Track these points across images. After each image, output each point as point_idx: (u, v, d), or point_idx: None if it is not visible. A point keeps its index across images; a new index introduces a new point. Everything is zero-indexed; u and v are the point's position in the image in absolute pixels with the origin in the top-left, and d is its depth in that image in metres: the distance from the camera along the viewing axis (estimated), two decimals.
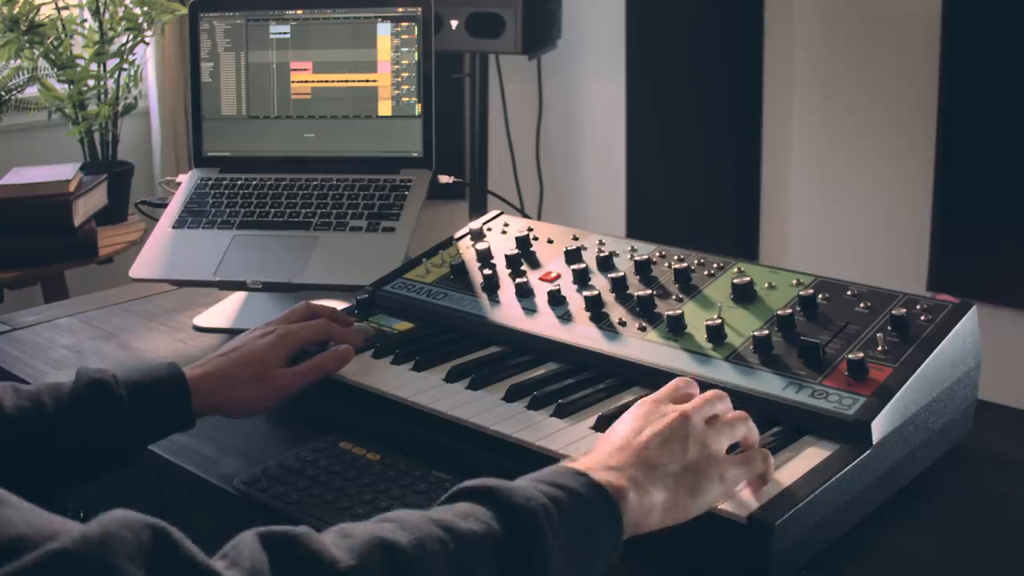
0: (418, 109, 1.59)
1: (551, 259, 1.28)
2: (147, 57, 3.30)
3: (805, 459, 0.91)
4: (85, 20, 3.07)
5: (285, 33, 1.62)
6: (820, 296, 1.09)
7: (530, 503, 0.73)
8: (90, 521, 0.60)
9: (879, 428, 0.92)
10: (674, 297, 1.15)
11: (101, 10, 2.99)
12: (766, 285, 1.13)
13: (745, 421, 0.89)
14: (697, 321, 1.09)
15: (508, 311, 1.20)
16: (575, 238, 1.31)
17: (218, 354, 1.09)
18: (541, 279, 1.24)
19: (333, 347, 1.13)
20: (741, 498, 0.85)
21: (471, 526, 0.72)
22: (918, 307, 1.05)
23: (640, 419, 0.86)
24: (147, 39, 3.11)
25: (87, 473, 0.98)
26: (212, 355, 1.09)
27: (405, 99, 1.59)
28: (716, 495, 0.83)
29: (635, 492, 0.79)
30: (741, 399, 0.99)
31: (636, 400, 1.02)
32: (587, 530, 0.76)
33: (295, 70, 1.62)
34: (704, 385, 1.01)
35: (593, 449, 0.85)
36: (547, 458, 0.95)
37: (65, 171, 2.75)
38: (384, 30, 1.59)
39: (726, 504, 0.84)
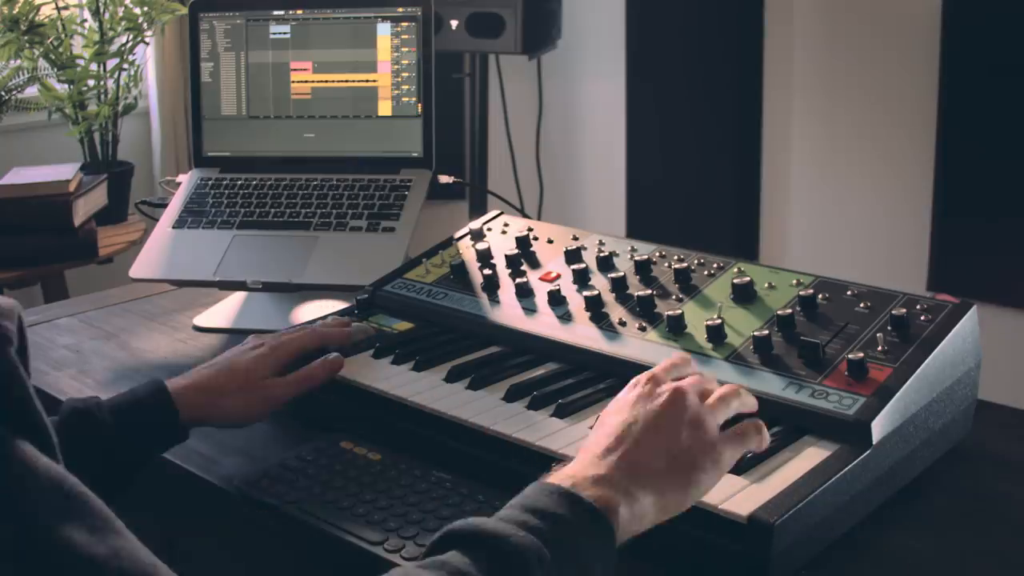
0: (418, 109, 1.59)
1: (551, 259, 1.28)
2: (147, 57, 3.30)
3: (805, 459, 0.91)
4: (85, 20, 3.07)
5: (285, 33, 1.62)
6: (820, 296, 1.09)
7: (525, 554, 0.71)
8: None
9: (879, 428, 0.92)
10: (674, 297, 1.15)
11: (101, 10, 2.99)
12: (766, 285, 1.13)
13: (737, 395, 0.88)
14: (697, 321, 1.09)
15: (508, 311, 1.20)
16: (575, 238, 1.31)
17: (205, 365, 1.08)
18: (541, 279, 1.24)
19: (324, 356, 1.12)
20: (741, 498, 0.85)
21: None
22: (918, 307, 1.06)
23: (633, 405, 0.85)
24: (147, 39, 3.11)
25: None
26: (200, 366, 1.08)
27: (405, 99, 1.59)
28: (710, 481, 0.82)
29: (625, 503, 0.77)
30: None
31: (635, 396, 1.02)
32: (583, 558, 0.74)
33: (295, 70, 1.62)
34: None
35: (585, 446, 0.84)
36: (547, 458, 0.95)
37: (65, 171, 2.75)
38: (384, 30, 1.59)
39: (726, 504, 0.84)
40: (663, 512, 0.80)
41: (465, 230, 1.38)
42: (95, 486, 0.98)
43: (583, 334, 1.13)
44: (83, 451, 0.96)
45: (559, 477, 0.79)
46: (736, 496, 0.85)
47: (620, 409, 0.85)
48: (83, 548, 0.60)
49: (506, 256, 1.28)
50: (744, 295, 1.12)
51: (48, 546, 0.59)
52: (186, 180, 1.63)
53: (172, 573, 0.62)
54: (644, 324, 1.12)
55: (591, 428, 0.98)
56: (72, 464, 0.96)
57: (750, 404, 0.89)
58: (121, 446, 0.99)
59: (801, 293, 1.10)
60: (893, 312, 1.04)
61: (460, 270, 1.29)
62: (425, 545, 0.88)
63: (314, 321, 1.21)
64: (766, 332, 1.04)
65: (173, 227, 1.54)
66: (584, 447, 0.83)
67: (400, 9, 1.59)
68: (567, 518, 0.74)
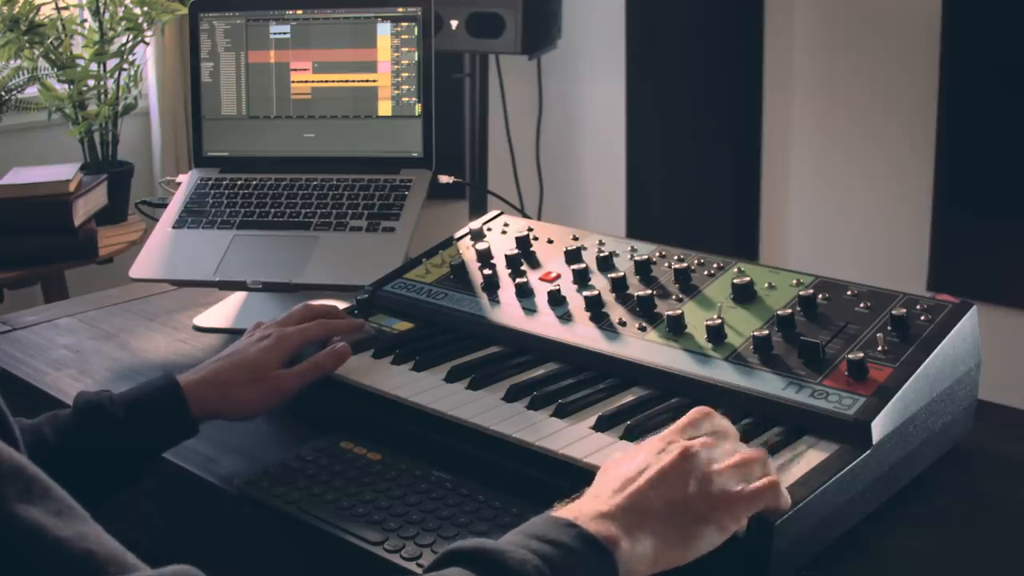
0: (418, 109, 1.59)
1: (551, 259, 1.28)
2: (147, 57, 3.30)
3: (805, 459, 0.91)
4: (85, 20, 3.07)
5: (285, 33, 1.62)
6: (820, 296, 1.09)
7: (524, 567, 0.71)
8: (162, 568, 0.61)
9: (879, 428, 0.92)
10: (674, 297, 1.15)
11: (101, 10, 2.98)
12: (766, 285, 1.13)
13: (763, 463, 0.83)
14: (697, 321, 1.09)
15: (508, 311, 1.20)
16: (575, 238, 1.31)
17: (214, 359, 1.09)
18: (541, 279, 1.24)
19: (331, 345, 1.13)
20: None
21: None
22: (918, 307, 1.05)
23: (645, 455, 0.83)
24: (147, 39, 3.11)
25: (100, 494, 0.98)
26: (208, 360, 1.09)
27: (405, 99, 1.59)
28: (713, 540, 0.79)
29: (627, 541, 0.75)
30: (741, 399, 0.99)
31: (635, 400, 1.02)
32: None
33: (295, 70, 1.62)
34: (704, 385, 1.01)
35: (591, 487, 0.82)
36: (547, 458, 0.95)
37: (65, 171, 2.75)
38: (384, 30, 1.59)
39: None
40: (662, 560, 0.77)
41: (465, 230, 1.38)
42: (104, 478, 0.99)
43: (583, 334, 1.13)
44: (94, 444, 0.97)
45: (562, 512, 0.78)
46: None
47: (628, 459, 0.83)
48: (50, 530, 0.60)
49: (506, 256, 1.28)
50: (744, 295, 1.12)
51: (12, 527, 0.59)
52: (186, 180, 1.63)
53: (139, 562, 0.62)
54: (644, 324, 1.12)
55: (591, 428, 0.98)
56: (83, 456, 0.97)
57: (772, 471, 0.84)
58: (132, 440, 0.99)
59: (801, 293, 1.10)
60: (893, 312, 1.04)
61: (460, 270, 1.29)
62: (425, 545, 0.88)
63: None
64: (766, 332, 1.04)
65: (173, 227, 1.54)
66: (588, 491, 0.82)
67: (400, 9, 1.59)
68: (570, 546, 0.73)
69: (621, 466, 0.82)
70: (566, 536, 0.74)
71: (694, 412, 0.88)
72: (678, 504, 0.78)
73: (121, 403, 1.00)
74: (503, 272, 1.26)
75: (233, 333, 1.43)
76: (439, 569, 0.73)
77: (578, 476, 0.88)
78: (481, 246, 1.31)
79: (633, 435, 0.96)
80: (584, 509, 0.78)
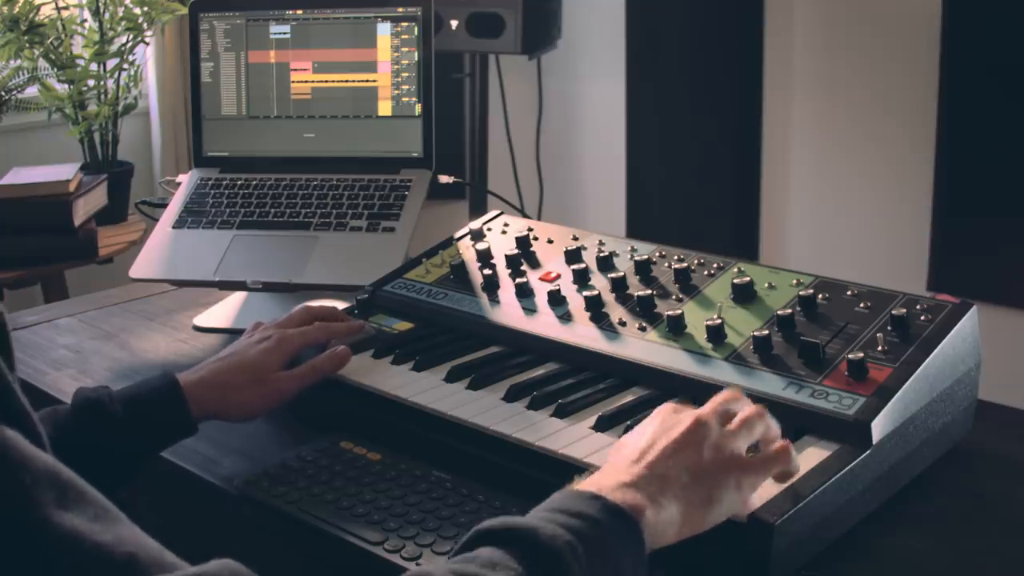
0: (418, 109, 1.59)
1: (551, 259, 1.28)
2: (147, 57, 3.30)
3: (805, 459, 0.91)
4: (85, 20, 3.07)
5: (285, 33, 1.62)
6: (820, 296, 1.09)
7: (556, 542, 0.71)
8: (204, 565, 0.62)
9: (879, 428, 0.92)
10: (674, 297, 1.15)
11: (101, 10, 2.98)
12: (766, 285, 1.13)
13: (762, 418, 0.86)
14: (697, 321, 1.09)
15: (508, 311, 1.20)
16: (575, 238, 1.31)
17: (214, 359, 1.09)
18: (541, 279, 1.24)
19: (331, 348, 1.13)
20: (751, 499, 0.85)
21: None
22: (918, 307, 1.05)
23: (655, 428, 0.84)
24: (147, 39, 3.11)
25: (99, 490, 0.98)
26: (208, 360, 1.09)
27: (405, 99, 1.59)
28: (732, 504, 0.81)
29: (652, 508, 0.77)
30: None
31: (635, 400, 1.02)
32: (613, 559, 0.73)
33: (295, 70, 1.62)
34: (704, 385, 1.01)
35: (606, 462, 0.83)
36: (547, 458, 0.95)
37: (65, 171, 2.75)
38: (384, 30, 1.59)
39: None
40: (687, 525, 0.79)
41: (465, 230, 1.38)
42: (101, 475, 0.99)
43: (583, 334, 1.13)
44: (92, 441, 0.97)
45: (584, 485, 0.79)
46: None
47: (642, 431, 0.85)
48: (88, 535, 0.59)
49: (506, 256, 1.28)
50: (744, 295, 1.12)
51: (52, 534, 0.58)
52: (186, 180, 1.63)
53: (178, 559, 0.62)
54: (644, 324, 1.12)
55: (591, 428, 0.98)
56: (80, 453, 0.97)
57: (774, 429, 0.87)
58: (130, 438, 0.99)
59: (801, 293, 1.10)
60: (893, 312, 1.04)
61: (460, 270, 1.29)
62: (425, 545, 0.88)
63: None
64: (766, 332, 1.04)
65: (173, 227, 1.54)
66: (604, 466, 0.83)
67: (400, 9, 1.59)
68: (597, 518, 0.74)
69: (634, 440, 0.84)
70: (592, 508, 0.74)
71: (725, 393, 0.88)
72: (695, 469, 0.80)
73: (120, 400, 1.00)
74: (503, 272, 1.26)
75: (233, 333, 1.43)
76: (469, 550, 0.72)
77: (578, 476, 0.88)
78: (481, 246, 1.31)
79: None
80: (605, 481, 0.79)
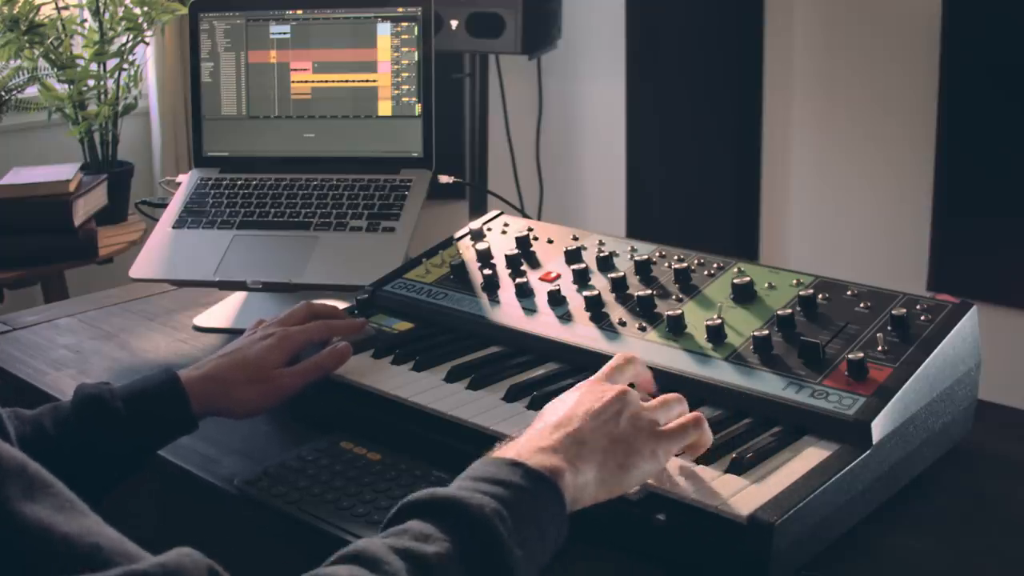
0: (418, 109, 1.59)
1: (551, 259, 1.28)
2: (147, 57, 3.30)
3: (805, 459, 0.91)
4: (85, 20, 3.07)
5: (285, 33, 1.62)
6: (820, 296, 1.09)
7: (483, 511, 0.73)
8: (164, 554, 0.62)
9: (879, 428, 0.92)
10: (674, 297, 1.15)
11: (101, 10, 2.98)
12: (766, 285, 1.13)
13: (681, 402, 0.91)
14: (697, 321, 1.09)
15: (508, 311, 1.20)
16: (575, 238, 1.31)
17: (216, 356, 1.09)
18: (541, 279, 1.24)
19: (332, 345, 1.13)
20: (741, 498, 0.85)
21: (435, 548, 0.71)
22: (918, 307, 1.05)
23: (577, 398, 0.89)
24: (147, 39, 3.11)
25: (98, 486, 0.98)
26: (210, 357, 1.09)
27: (405, 99, 1.59)
28: (648, 469, 0.85)
29: (570, 471, 0.80)
30: (741, 399, 0.99)
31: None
32: (537, 522, 0.77)
33: (295, 70, 1.62)
34: (704, 385, 1.01)
35: (529, 427, 0.87)
36: None
37: (65, 171, 2.75)
38: (384, 30, 1.59)
39: (726, 504, 0.84)
40: (603, 488, 0.83)
41: (465, 230, 1.38)
42: (102, 471, 0.99)
43: (583, 334, 1.13)
44: (93, 437, 0.97)
45: (503, 452, 0.82)
46: (736, 496, 0.85)
47: (564, 400, 0.90)
48: (56, 526, 0.60)
49: (506, 256, 1.28)
50: (744, 295, 1.12)
51: (19, 526, 0.59)
52: (186, 180, 1.63)
53: (141, 550, 0.63)
54: (644, 324, 1.12)
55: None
56: (81, 448, 0.97)
57: (687, 412, 0.92)
58: (131, 434, 0.99)
59: (801, 293, 1.10)
60: (893, 312, 1.04)
61: (460, 270, 1.29)
62: None
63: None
64: (766, 332, 1.04)
65: (173, 227, 1.54)
66: (527, 431, 0.86)
67: (400, 9, 1.59)
68: (520, 484, 0.77)
69: (558, 407, 0.88)
70: (514, 475, 0.78)
71: (617, 357, 0.96)
72: (613, 436, 0.85)
73: (121, 397, 1.00)
74: (503, 272, 1.26)
75: (233, 333, 1.43)
76: (399, 522, 0.75)
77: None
78: (481, 246, 1.31)
79: None
80: (525, 446, 0.83)
